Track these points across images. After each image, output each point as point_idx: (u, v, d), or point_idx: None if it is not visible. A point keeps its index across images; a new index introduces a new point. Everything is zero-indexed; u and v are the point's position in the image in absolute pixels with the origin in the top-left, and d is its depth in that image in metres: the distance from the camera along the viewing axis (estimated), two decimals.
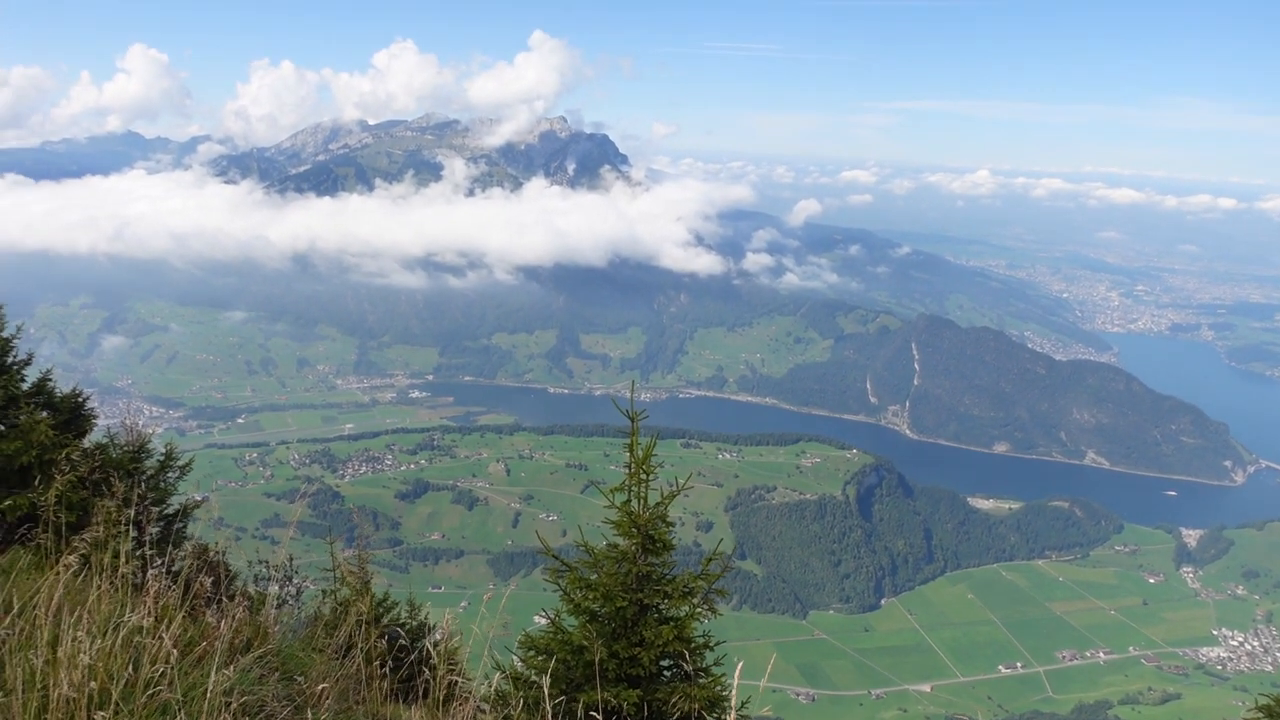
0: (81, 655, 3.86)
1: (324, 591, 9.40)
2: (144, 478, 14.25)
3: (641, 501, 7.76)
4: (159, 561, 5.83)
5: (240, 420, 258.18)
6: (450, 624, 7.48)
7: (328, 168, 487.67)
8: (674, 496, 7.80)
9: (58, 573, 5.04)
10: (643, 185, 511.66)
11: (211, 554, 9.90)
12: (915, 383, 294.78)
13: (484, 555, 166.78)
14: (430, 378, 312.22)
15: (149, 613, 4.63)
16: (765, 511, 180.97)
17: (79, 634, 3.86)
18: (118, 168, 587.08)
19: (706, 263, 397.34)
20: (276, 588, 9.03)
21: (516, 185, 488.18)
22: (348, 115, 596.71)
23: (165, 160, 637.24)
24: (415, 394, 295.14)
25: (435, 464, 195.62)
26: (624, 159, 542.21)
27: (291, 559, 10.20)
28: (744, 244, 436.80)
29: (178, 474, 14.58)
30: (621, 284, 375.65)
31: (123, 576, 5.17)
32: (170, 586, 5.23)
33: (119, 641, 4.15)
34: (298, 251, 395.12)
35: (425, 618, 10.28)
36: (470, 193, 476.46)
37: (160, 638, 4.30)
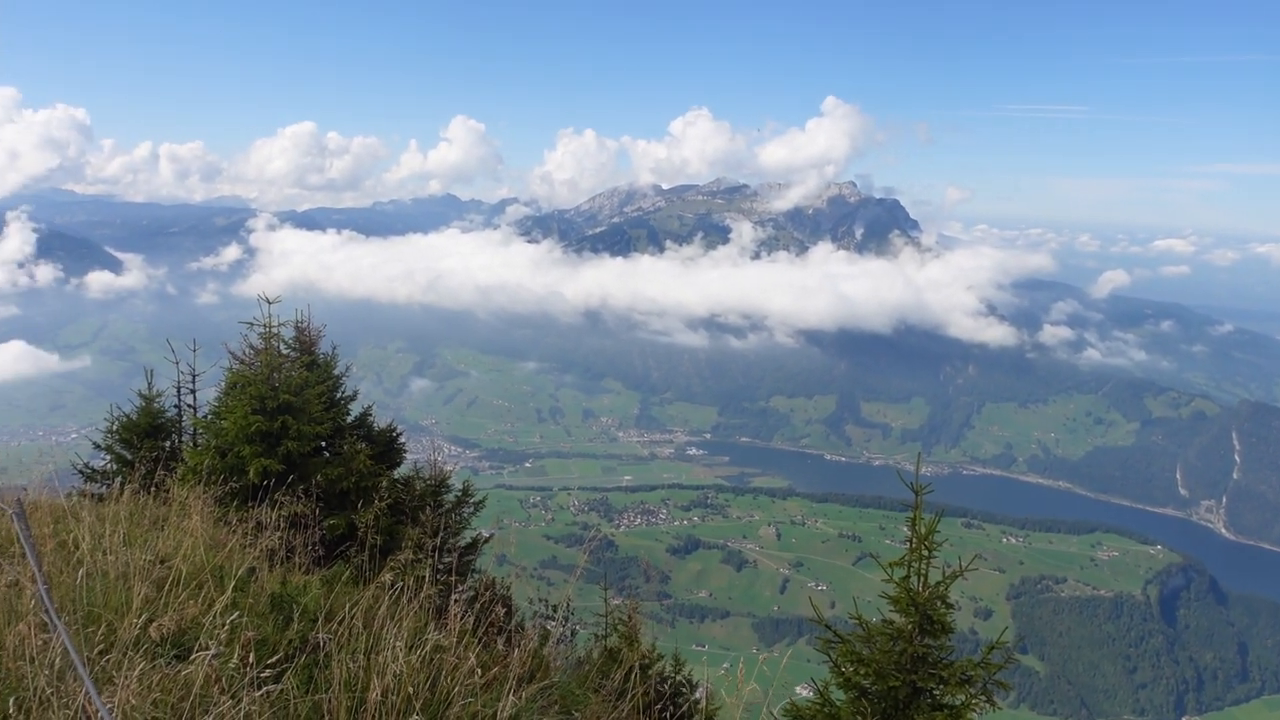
0: (393, 664, 4.28)
1: (596, 635, 9.71)
2: (443, 511, 15.40)
3: (921, 579, 7.46)
4: (460, 588, 6.28)
5: (528, 464, 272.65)
6: (714, 684, 7.50)
7: (622, 229, 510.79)
8: (956, 577, 7.44)
9: (374, 588, 5.61)
10: (933, 252, 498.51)
11: (498, 587, 10.49)
12: (1235, 476, 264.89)
13: (749, 618, 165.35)
14: (708, 436, 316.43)
15: (450, 633, 5.04)
16: (1052, 604, 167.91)
17: (397, 644, 4.35)
18: (436, 227, 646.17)
19: (998, 334, 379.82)
20: (554, 626, 9.44)
21: (802, 249, 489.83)
22: (643, 180, 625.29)
23: (477, 220, 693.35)
24: (692, 451, 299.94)
25: (707, 522, 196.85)
26: (914, 224, 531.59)
27: (570, 601, 10.63)
28: (1040, 315, 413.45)
29: (472, 510, 15.66)
30: (906, 352, 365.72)
31: (427, 598, 5.64)
32: (467, 612, 5.64)
33: (422, 657, 4.54)
34: (590, 308, 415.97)
35: (689, 674, 10.33)
36: (756, 256, 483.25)
37: (462, 657, 4.67)
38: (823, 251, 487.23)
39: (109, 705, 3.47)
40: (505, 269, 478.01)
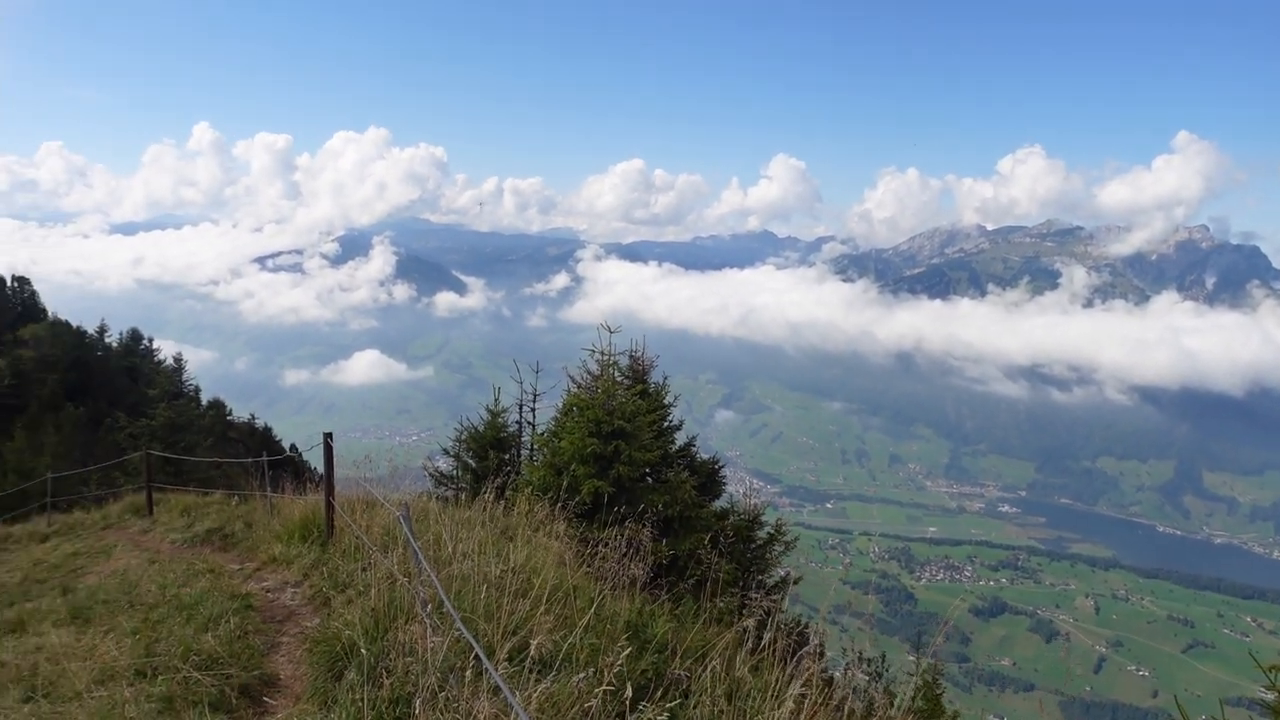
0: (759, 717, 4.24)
1: (913, 697, 9.34)
2: (755, 547, 15.45)
3: None
4: (813, 641, 6.22)
5: (829, 505, 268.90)
6: None
7: (941, 271, 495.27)
8: None
9: (736, 632, 5.65)
10: None
11: (812, 633, 10.33)
12: None
13: (1056, 695, 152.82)
14: (1023, 493, 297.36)
15: (810, 685, 4.94)
16: None
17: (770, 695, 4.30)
18: (751, 262, 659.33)
19: None
20: (865, 679, 9.18)
21: (1142, 298, 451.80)
22: (966, 220, 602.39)
23: (793, 257, 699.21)
24: (1005, 508, 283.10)
25: (1016, 585, 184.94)
26: (1277, 275, 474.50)
27: (884, 656, 10.28)
28: None
29: (782, 549, 15.57)
30: (1261, 419, 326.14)
31: (779, 649, 5.61)
32: (819, 667, 5.56)
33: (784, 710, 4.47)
34: (903, 350, 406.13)
35: None
36: (1089, 303, 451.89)
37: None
38: (1166, 301, 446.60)
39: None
40: (818, 307, 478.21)
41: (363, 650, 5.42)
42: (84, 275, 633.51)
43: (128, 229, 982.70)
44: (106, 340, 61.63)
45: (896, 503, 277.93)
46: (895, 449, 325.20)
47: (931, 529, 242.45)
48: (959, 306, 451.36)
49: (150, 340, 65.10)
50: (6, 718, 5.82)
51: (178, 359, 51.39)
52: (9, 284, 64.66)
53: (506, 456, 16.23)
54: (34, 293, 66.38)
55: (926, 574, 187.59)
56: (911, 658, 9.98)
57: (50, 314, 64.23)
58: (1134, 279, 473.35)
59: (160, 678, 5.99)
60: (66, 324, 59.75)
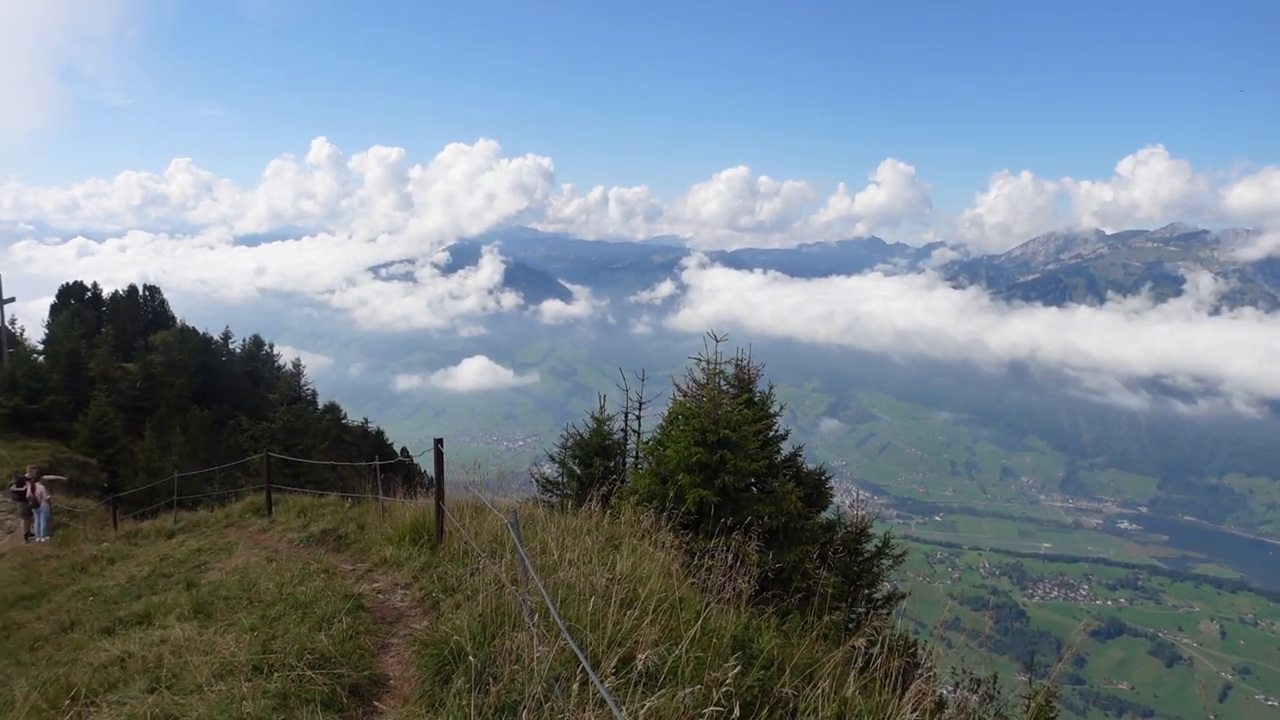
0: None
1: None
2: (862, 560, 15.16)
3: None
4: (926, 662, 6.05)
5: (938, 518, 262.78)
6: None
7: (1057, 277, 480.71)
8: None
9: (846, 650, 5.52)
10: None
11: (921, 653, 10.07)
12: None
13: None
14: (1143, 510, 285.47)
15: (924, 712, 4.77)
16: None
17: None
18: (859, 269, 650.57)
19: None
20: (977, 702, 8.91)
21: (1273, 305, 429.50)
22: (1084, 224, 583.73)
23: (901, 264, 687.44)
24: (1124, 524, 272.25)
25: (1135, 605, 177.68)
26: None
27: (996, 677, 9.98)
28: None
29: (890, 563, 15.24)
30: None
31: (890, 668, 5.46)
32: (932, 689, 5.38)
33: None
34: (1015, 359, 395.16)
35: None
36: (1215, 311, 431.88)
37: None
38: None
39: None
40: (927, 314, 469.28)
41: (470, 656, 5.47)
42: (210, 284, 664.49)
43: (250, 240, 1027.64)
44: (230, 346, 64.32)
45: (1008, 517, 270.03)
46: (1007, 461, 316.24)
47: (1045, 545, 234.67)
48: (1076, 314, 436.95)
49: (271, 346, 67.71)
50: (132, 707, 6.04)
51: (296, 364, 53.36)
52: (141, 293, 68.12)
53: (612, 464, 16.29)
54: (164, 301, 69.83)
55: (1039, 591, 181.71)
56: (1023, 678, 9.65)
57: (179, 321, 67.44)
58: (1264, 285, 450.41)
59: (276, 674, 6.16)
60: (194, 330, 62.61)
